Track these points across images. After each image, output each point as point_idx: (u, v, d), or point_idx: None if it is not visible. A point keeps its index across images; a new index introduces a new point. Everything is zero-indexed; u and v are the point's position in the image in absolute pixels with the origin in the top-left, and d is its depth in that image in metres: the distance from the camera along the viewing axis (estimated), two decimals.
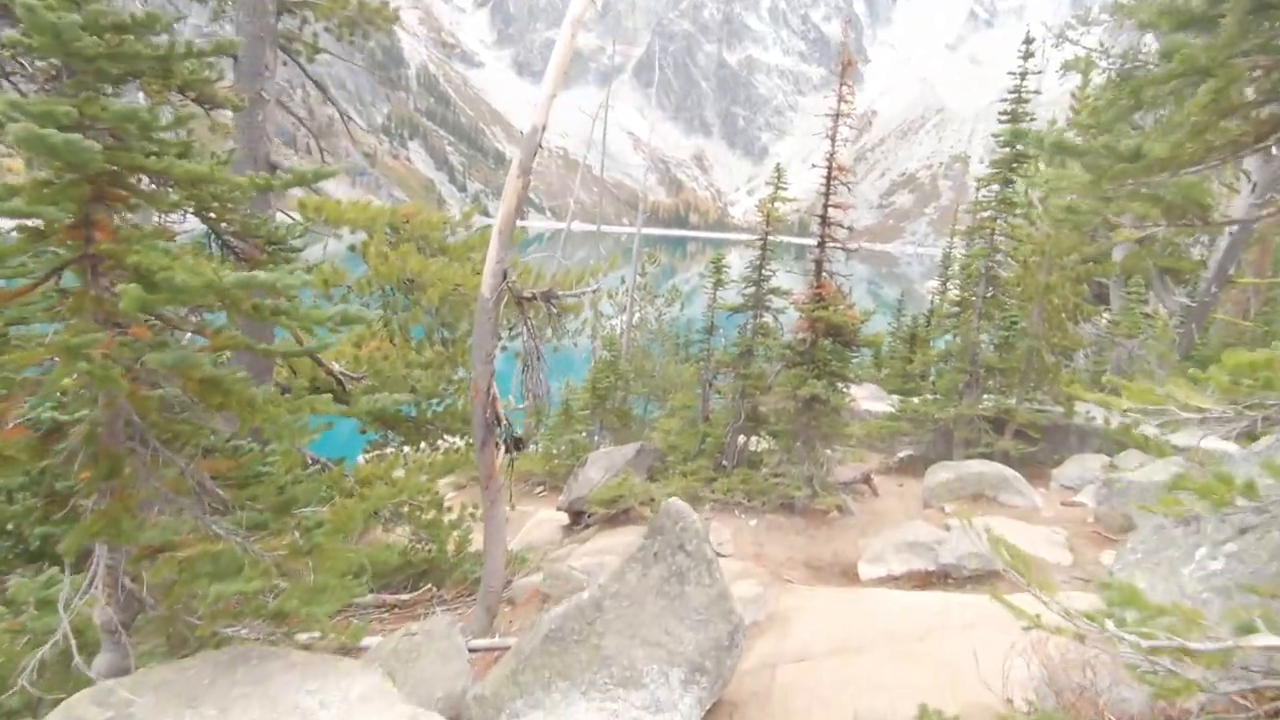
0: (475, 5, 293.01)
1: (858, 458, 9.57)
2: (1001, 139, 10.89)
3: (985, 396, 11.72)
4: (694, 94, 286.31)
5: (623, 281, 19.07)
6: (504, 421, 6.07)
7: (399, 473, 8.14)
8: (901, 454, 12.96)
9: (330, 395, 8.41)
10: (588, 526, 10.87)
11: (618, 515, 10.30)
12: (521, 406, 20.32)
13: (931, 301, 29.42)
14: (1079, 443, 11.63)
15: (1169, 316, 20.04)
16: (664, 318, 18.87)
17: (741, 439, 10.97)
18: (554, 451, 16.01)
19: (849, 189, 8.66)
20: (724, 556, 8.25)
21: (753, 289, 10.15)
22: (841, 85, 8.26)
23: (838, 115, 8.37)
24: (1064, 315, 11.10)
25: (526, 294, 5.66)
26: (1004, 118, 10.79)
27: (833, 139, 8.40)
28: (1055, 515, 8.32)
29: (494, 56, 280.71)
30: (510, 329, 6.22)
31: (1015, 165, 10.76)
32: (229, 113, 6.59)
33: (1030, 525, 7.45)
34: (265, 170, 7.17)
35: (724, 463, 10.84)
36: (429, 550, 7.93)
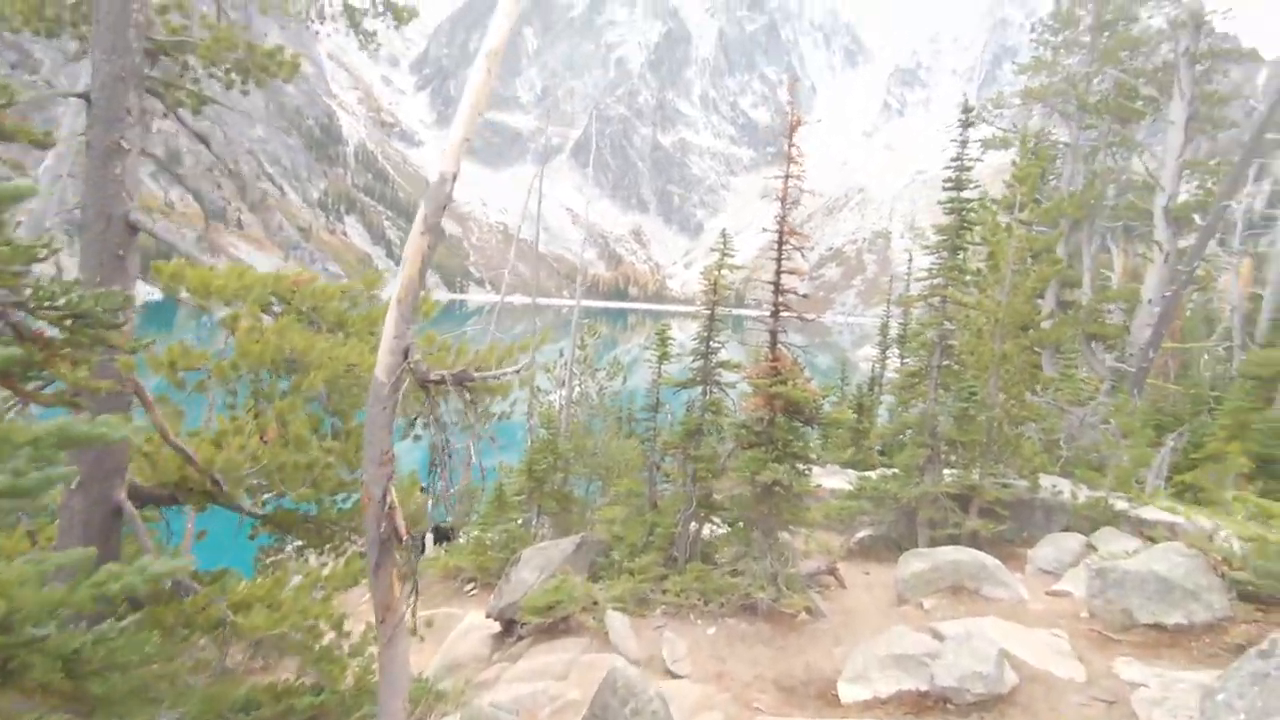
0: (415, 88, 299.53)
1: (823, 547, 8.60)
2: (946, 207, 10.66)
3: (946, 472, 11.06)
4: (631, 173, 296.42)
5: (561, 355, 18.09)
6: (405, 537, 4.84)
7: (288, 591, 6.70)
8: (861, 534, 12.07)
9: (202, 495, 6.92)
10: (520, 639, 9.42)
11: (555, 624, 8.94)
12: (453, 490, 18.67)
13: (872, 369, 29.55)
14: (1045, 519, 11.02)
15: (1100, 381, 20.38)
16: (605, 392, 17.88)
17: (694, 527, 9.88)
18: (487, 542, 14.47)
19: (803, 255, 8.05)
20: (679, 678, 7.01)
21: (700, 362, 9.31)
22: (790, 146, 7.75)
23: (787, 176, 7.82)
24: (1021, 385, 10.67)
25: (434, 376, 4.57)
26: (948, 185, 10.59)
27: (783, 200, 7.82)
28: (1044, 609, 7.48)
29: (433, 136, 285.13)
30: (413, 420, 5.08)
31: (961, 232, 10.49)
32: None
33: (1027, 628, 6.56)
34: (122, 232, 5.97)
35: (675, 554, 9.69)
36: (318, 694, 6.41)
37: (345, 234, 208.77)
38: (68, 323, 3.56)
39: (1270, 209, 30.08)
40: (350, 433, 5.82)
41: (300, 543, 7.93)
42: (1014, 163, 12.44)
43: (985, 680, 5.24)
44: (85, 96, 6.05)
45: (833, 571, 9.47)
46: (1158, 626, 6.28)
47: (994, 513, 10.41)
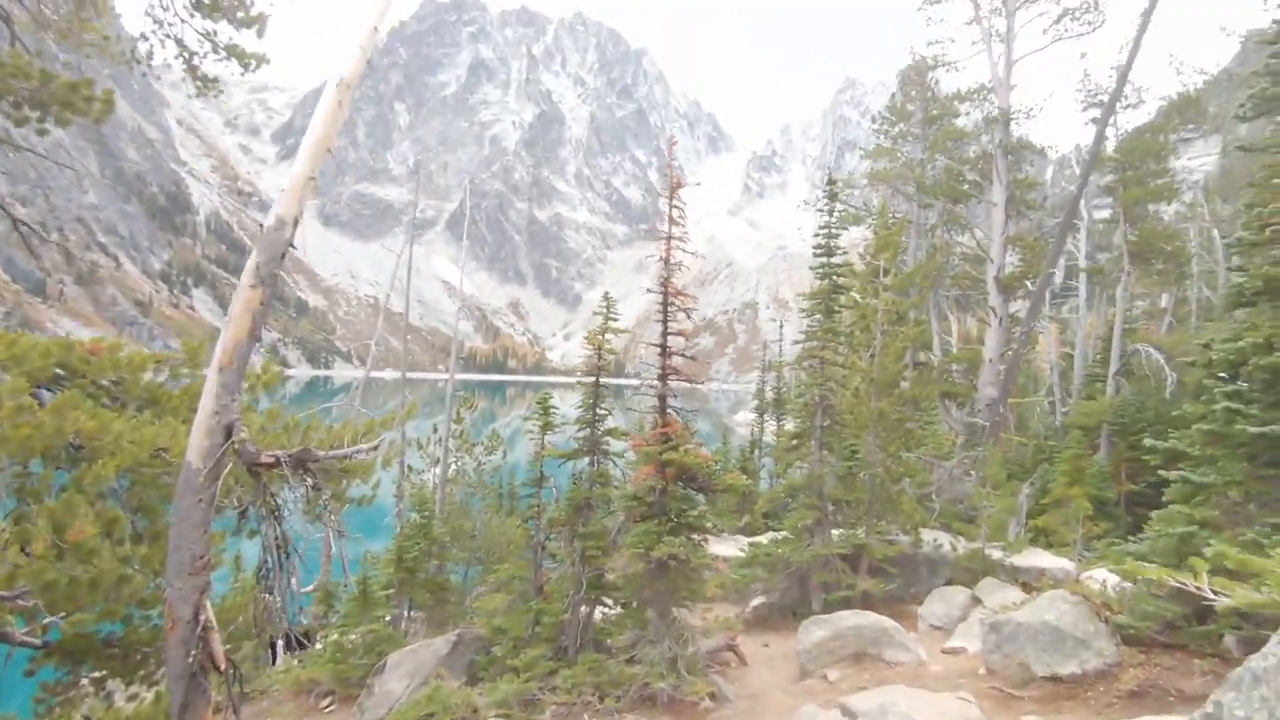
0: (278, 158, 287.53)
1: (721, 623, 8.10)
2: (819, 271, 11.03)
3: (834, 532, 11.04)
4: (508, 246, 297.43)
5: (435, 430, 16.85)
6: (224, 668, 3.83)
7: None
8: (756, 603, 11.72)
9: None
10: None
11: None
12: (307, 589, 16.50)
13: (751, 432, 30.18)
14: (929, 573, 11.21)
15: (956, 436, 21.89)
16: (484, 467, 16.75)
17: (584, 611, 9.08)
18: (347, 646, 12.70)
19: (688, 315, 7.86)
20: None
21: (586, 431, 8.76)
22: (671, 207, 7.65)
23: (669, 236, 7.69)
24: (897, 441, 10.99)
25: (266, 459, 3.73)
26: (819, 251, 11.00)
27: (666, 260, 7.64)
28: (944, 670, 7.35)
29: None
30: (242, 510, 4.13)
31: (834, 295, 10.85)
32: None
33: (934, 694, 6.32)
34: None
35: (564, 644, 8.81)
36: None
37: (193, 308, 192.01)
38: None
39: (1069, 280, 34.44)
40: (160, 534, 4.69)
41: (100, 673, 6.39)
42: (875, 233, 13.34)
43: None
44: None
45: (732, 647, 8.97)
46: (1054, 679, 6.25)
47: (883, 571, 10.43)
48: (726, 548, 13.51)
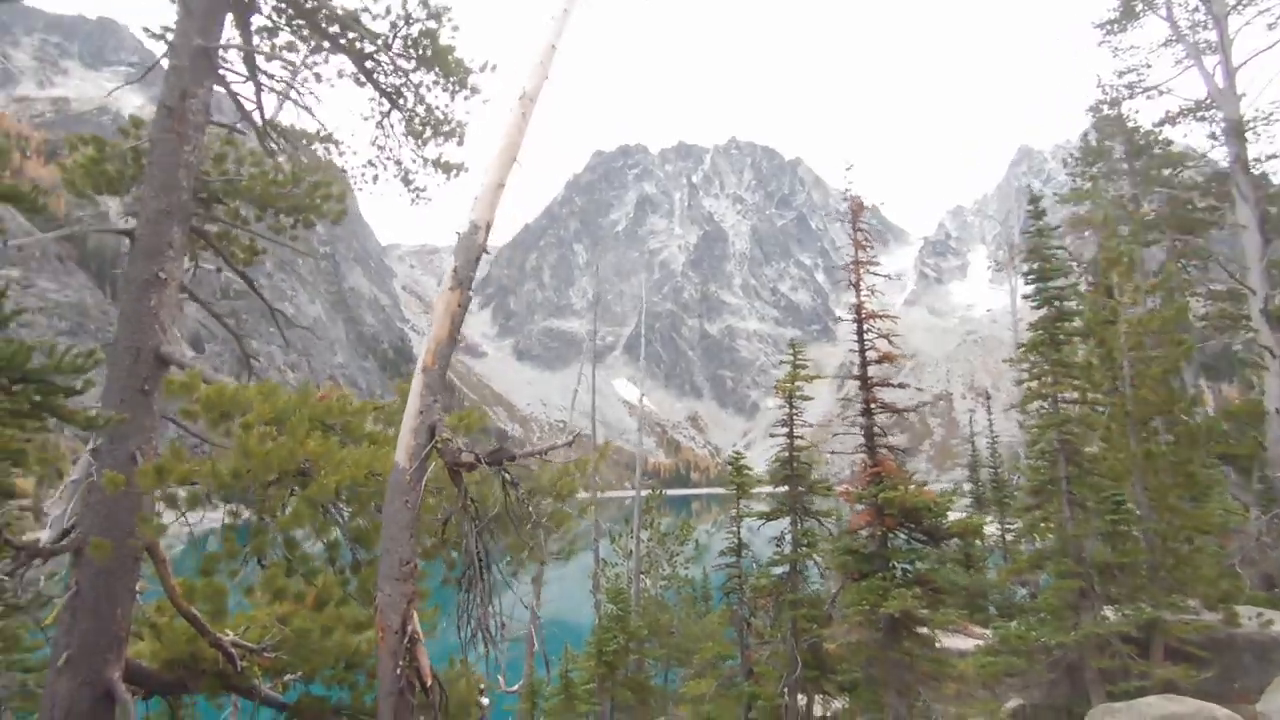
0: (479, 306, 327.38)
1: (986, 709, 6.58)
2: (1035, 301, 9.72)
3: (1108, 609, 8.92)
4: (682, 362, 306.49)
5: (626, 523, 16.71)
6: (431, 683, 3.62)
7: None
8: (1012, 704, 9.60)
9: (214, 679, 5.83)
10: None
11: None
12: (513, 689, 16.56)
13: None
14: (1256, 660, 8.56)
15: (1246, 509, 17.54)
16: (677, 559, 16.15)
17: (803, 699, 7.94)
18: None
19: (890, 341, 7.11)
20: None
21: (785, 486, 8.05)
22: (856, 232, 7.17)
23: (858, 262, 7.15)
24: (1176, 489, 8.84)
25: (466, 458, 3.65)
26: (1031, 277, 9.73)
27: (856, 286, 7.07)
28: None
29: (495, 346, 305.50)
30: (444, 526, 4.05)
31: (1058, 324, 9.42)
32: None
33: None
34: (150, 365, 5.58)
35: None
36: None
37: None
38: (16, 387, 2.90)
39: None
40: (374, 563, 4.79)
41: None
42: (1100, 247, 11.60)
43: None
44: (129, 234, 6.01)
45: None
46: None
47: (1189, 655, 8.12)
48: (959, 641, 11.47)
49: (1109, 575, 8.77)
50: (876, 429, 7.01)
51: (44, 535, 5.61)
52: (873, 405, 7.02)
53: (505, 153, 4.03)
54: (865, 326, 7.06)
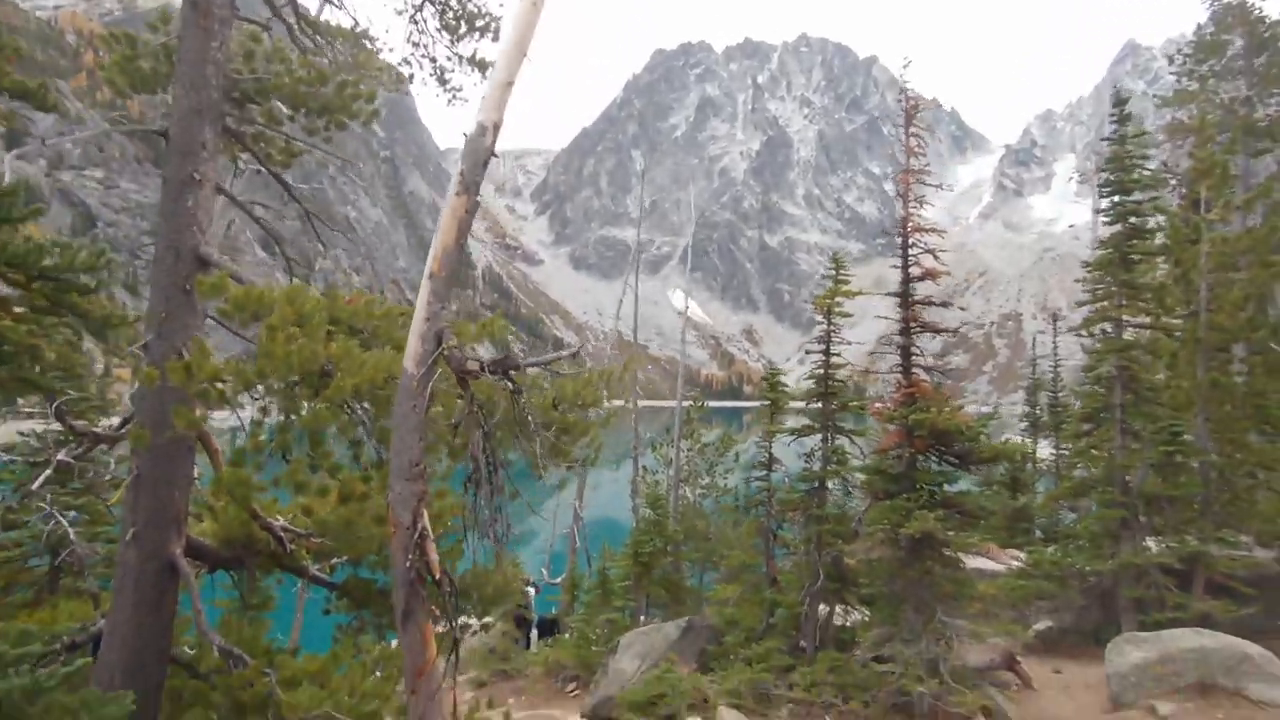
0: (535, 214, 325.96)
1: (1004, 629, 6.60)
2: (1109, 216, 8.96)
3: (1150, 540, 8.68)
4: (739, 274, 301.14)
5: (668, 431, 16.99)
6: (441, 576, 3.81)
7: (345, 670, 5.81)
8: (1040, 626, 9.63)
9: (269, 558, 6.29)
10: None
11: None
12: (556, 581, 17.53)
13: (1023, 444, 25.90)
14: None
15: None
16: (717, 469, 16.43)
17: (823, 609, 8.14)
18: (590, 636, 13.03)
19: (936, 257, 6.70)
20: None
21: (819, 404, 7.93)
22: (909, 137, 6.64)
23: (908, 171, 6.66)
24: (1244, 421, 8.32)
25: (472, 366, 3.67)
26: (1108, 189, 8.94)
27: (904, 197, 6.62)
28: None
29: (552, 254, 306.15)
30: (455, 431, 4.14)
31: (1132, 242, 8.69)
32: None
33: None
34: (191, 265, 5.74)
35: (802, 644, 7.94)
36: None
37: (474, 349, 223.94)
38: (34, 284, 3.00)
39: None
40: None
41: (381, 619, 7.08)
42: (1192, 154, 10.48)
43: None
44: (163, 133, 6.03)
45: (1012, 666, 7.34)
46: None
47: (1231, 591, 7.89)
48: (990, 564, 11.44)
49: (1156, 506, 8.47)
50: (915, 349, 6.74)
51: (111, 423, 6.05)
52: (912, 325, 6.72)
53: (514, 47, 3.80)
54: (911, 241, 6.65)
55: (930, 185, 6.70)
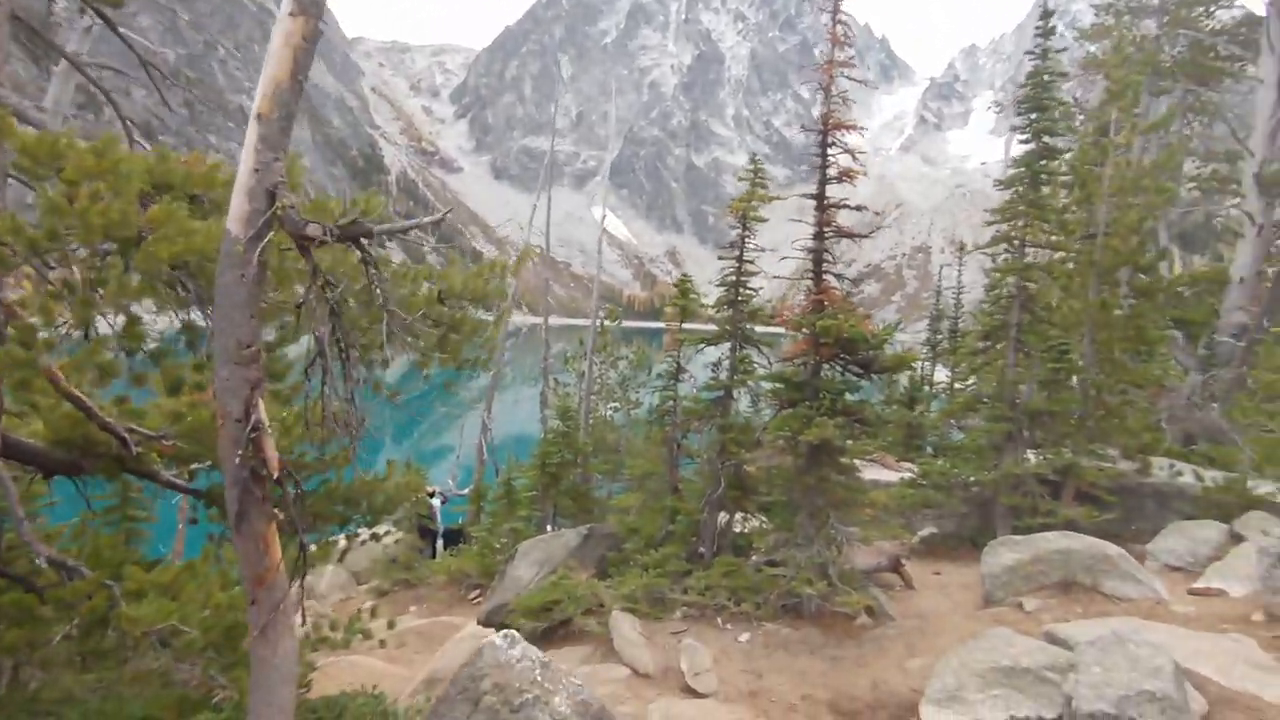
0: (455, 116, 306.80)
1: (892, 534, 6.79)
2: (1024, 134, 8.88)
3: (1030, 453, 9.13)
4: (665, 194, 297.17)
5: (580, 343, 16.62)
6: (279, 473, 3.30)
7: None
8: (924, 532, 10.16)
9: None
10: None
11: (554, 630, 7.31)
12: (463, 492, 17.17)
13: (921, 368, 27.28)
14: (1158, 508, 8.98)
15: (1185, 371, 18.02)
16: (630, 383, 16.31)
17: (723, 517, 8.18)
18: (495, 545, 12.92)
19: (855, 158, 6.39)
20: (701, 696, 5.29)
21: (727, 311, 7.67)
22: (836, 24, 6.14)
23: (832, 62, 6.21)
24: (1124, 343, 8.72)
25: (313, 230, 3.06)
26: (1025, 106, 8.82)
27: (827, 90, 6.19)
28: (1196, 612, 5.57)
29: (472, 162, 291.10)
30: (298, 305, 3.54)
31: (1043, 161, 8.68)
32: None
33: (1194, 632, 4.69)
34: None
35: (701, 550, 7.99)
36: (219, 704, 4.89)
37: (390, 261, 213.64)
38: None
39: None
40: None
41: None
42: (1107, 75, 10.56)
43: (1161, 704, 3.42)
44: None
45: (897, 568, 7.65)
46: None
47: (1095, 499, 8.45)
48: (886, 475, 11.93)
49: (1039, 421, 8.86)
50: (827, 255, 6.51)
51: None
52: (825, 229, 6.45)
53: None
54: (830, 140, 6.29)
55: (854, 80, 6.29)
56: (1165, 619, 5.36)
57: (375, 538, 12.15)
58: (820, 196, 6.45)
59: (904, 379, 22.17)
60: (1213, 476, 8.36)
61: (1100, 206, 8.72)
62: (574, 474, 14.44)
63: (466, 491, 16.16)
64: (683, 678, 5.61)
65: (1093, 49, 22.56)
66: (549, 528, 13.93)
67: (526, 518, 13.49)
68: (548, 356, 16.07)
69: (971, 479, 9.14)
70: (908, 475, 10.19)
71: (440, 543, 15.70)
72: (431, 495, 15.52)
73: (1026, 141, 8.89)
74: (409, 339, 5.01)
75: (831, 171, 6.41)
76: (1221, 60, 20.00)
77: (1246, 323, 16.95)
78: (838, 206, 6.44)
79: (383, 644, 6.23)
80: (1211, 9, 20.26)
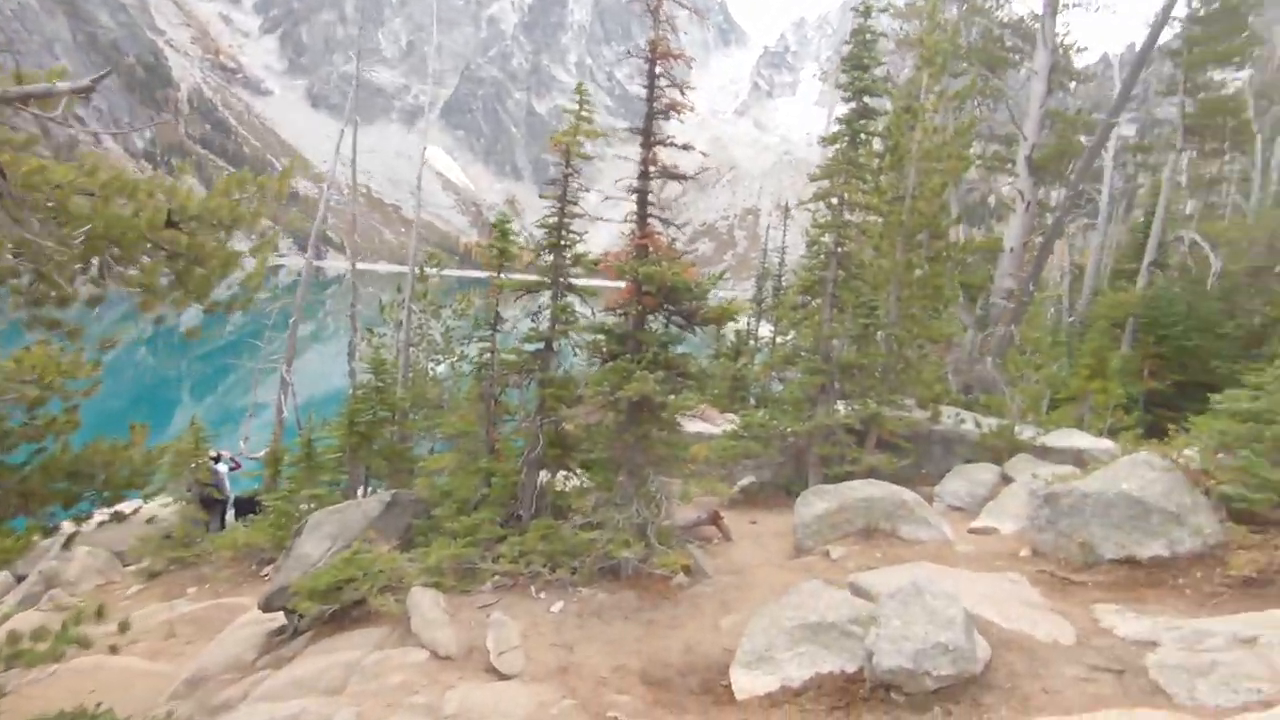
0: (261, 31, 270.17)
1: (711, 489, 6.69)
2: (847, 93, 8.98)
3: (840, 404, 9.56)
4: (504, 139, 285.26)
5: (399, 290, 15.14)
6: None
7: None
8: (744, 482, 10.43)
9: None
10: (298, 633, 6.86)
11: (347, 611, 6.47)
12: (258, 455, 15.21)
13: (747, 323, 28.61)
14: (944, 452, 9.85)
15: (964, 328, 20.36)
16: (455, 334, 15.15)
17: (544, 476, 7.69)
18: (294, 514, 11.49)
19: (682, 91, 5.94)
20: (506, 678, 4.81)
21: (550, 256, 7.03)
22: None
23: None
24: (925, 300, 9.31)
25: None
26: (847, 65, 8.89)
27: (655, 12, 5.64)
28: (975, 550, 6.01)
29: (284, 86, 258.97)
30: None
31: (863, 121, 8.85)
32: None
33: (976, 574, 4.96)
34: None
35: (520, 513, 7.46)
36: None
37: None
38: None
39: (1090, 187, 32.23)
40: None
41: None
42: (922, 40, 11.10)
43: (953, 655, 3.45)
44: None
45: (716, 521, 7.64)
46: (1128, 561, 4.87)
47: (894, 446, 9.03)
48: (710, 428, 12.14)
49: (849, 374, 9.25)
50: (652, 196, 6.06)
51: None
52: (650, 168, 5.99)
53: None
54: (659, 71, 5.78)
55: (685, 6, 5.79)
56: (951, 559, 5.72)
57: (119, 518, 10.26)
58: (647, 131, 5.96)
59: (731, 332, 23.00)
60: (988, 423, 9.28)
61: (910, 170, 9.15)
62: (389, 432, 13.23)
63: (262, 455, 14.31)
64: (488, 657, 5.10)
65: (904, 28, 24.13)
66: (361, 492, 12.69)
67: (332, 482, 12.16)
68: (356, 303, 14.45)
69: (788, 429, 9.40)
70: (729, 427, 10.34)
71: (230, 514, 13.85)
72: (217, 460, 13.54)
73: (849, 99, 9.01)
74: (123, 270, 3.95)
75: (659, 105, 5.92)
76: (1007, 50, 22.16)
77: (1014, 288, 19.36)
78: (664, 144, 5.99)
79: (114, 649, 5.05)
80: (1002, 1, 22.28)
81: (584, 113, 7.01)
